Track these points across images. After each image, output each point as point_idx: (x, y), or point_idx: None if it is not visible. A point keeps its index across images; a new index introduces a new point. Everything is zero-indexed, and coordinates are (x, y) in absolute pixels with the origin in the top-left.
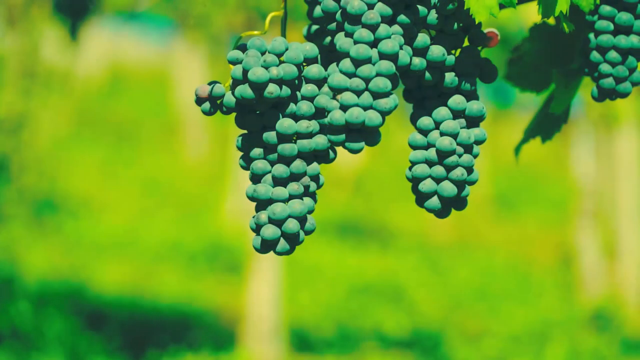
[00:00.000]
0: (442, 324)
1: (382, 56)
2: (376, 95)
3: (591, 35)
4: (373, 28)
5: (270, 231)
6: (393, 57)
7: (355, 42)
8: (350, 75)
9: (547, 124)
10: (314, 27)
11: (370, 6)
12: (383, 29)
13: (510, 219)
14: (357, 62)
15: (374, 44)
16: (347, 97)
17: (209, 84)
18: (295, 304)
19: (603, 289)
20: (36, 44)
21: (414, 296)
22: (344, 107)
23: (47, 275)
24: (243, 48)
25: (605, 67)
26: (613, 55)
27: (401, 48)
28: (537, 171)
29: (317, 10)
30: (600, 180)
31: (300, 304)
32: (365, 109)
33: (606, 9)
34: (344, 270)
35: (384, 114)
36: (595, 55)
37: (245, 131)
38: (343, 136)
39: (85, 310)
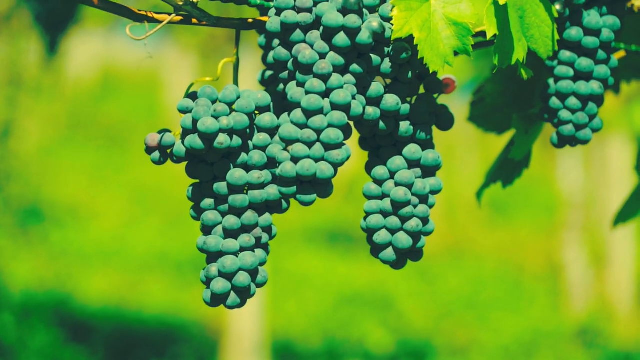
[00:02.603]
0: (430, 334)
1: (334, 107)
2: (328, 146)
3: (550, 81)
4: (325, 78)
5: (220, 285)
6: (345, 108)
7: (307, 93)
8: (302, 126)
9: (508, 169)
10: (268, 72)
11: (322, 55)
12: (335, 78)
13: (503, 223)
14: (309, 113)
15: (325, 94)
16: (298, 148)
17: (159, 132)
18: (282, 314)
19: (590, 303)
20: (21, 51)
21: (402, 306)
22: (295, 159)
23: (31, 286)
24: (194, 96)
25: (564, 114)
26: (573, 101)
27: (354, 98)
28: (531, 174)
29: (270, 57)
30: (591, 188)
31: (287, 314)
32: (316, 160)
33: (566, 54)
34: (332, 279)
35: (336, 165)
36: (554, 102)
37: (197, 180)
38: (294, 188)
39: (69, 321)
